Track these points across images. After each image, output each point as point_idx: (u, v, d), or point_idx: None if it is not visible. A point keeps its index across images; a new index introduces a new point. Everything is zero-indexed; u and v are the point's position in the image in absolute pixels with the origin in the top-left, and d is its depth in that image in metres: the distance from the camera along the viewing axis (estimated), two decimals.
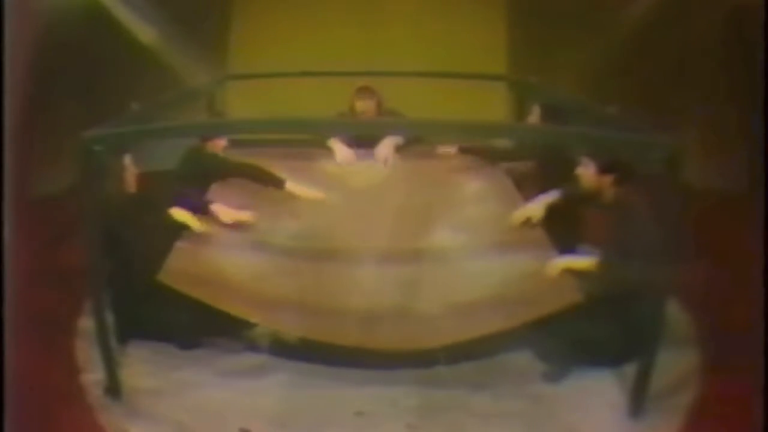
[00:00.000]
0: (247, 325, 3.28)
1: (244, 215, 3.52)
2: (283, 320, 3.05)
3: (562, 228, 3.42)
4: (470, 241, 3.39)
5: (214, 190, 3.77)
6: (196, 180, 3.79)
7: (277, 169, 4.01)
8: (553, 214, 3.44)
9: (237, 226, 3.49)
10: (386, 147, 4.27)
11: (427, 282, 3.15)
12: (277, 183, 3.82)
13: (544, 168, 3.90)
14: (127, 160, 3.29)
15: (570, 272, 2.99)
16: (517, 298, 2.98)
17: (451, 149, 4.24)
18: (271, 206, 3.75)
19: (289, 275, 3.20)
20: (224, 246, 3.35)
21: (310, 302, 3.06)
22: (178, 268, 3.08)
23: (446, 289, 3.10)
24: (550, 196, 3.36)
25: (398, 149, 4.32)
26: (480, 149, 4.20)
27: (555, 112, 3.79)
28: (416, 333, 2.95)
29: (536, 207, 3.37)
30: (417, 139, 4.34)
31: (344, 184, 4.04)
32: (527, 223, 3.36)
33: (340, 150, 4.28)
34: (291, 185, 3.82)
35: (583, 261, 3.03)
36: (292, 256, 3.33)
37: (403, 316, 2.98)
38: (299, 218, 3.64)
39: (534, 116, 3.92)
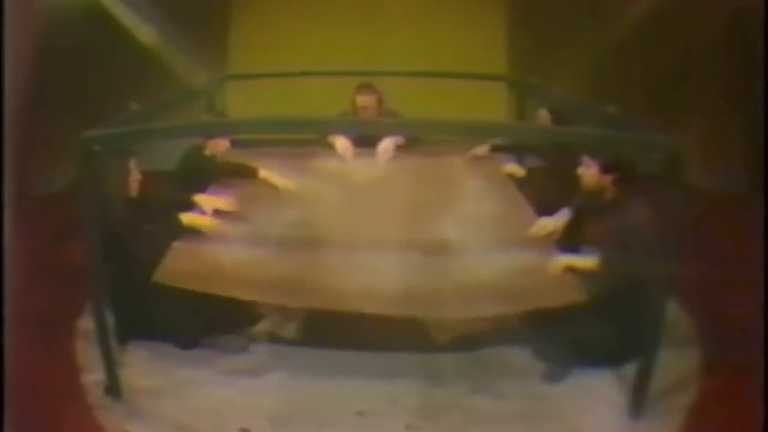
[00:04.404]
0: (247, 322, 3.30)
1: (224, 202, 3.56)
2: (283, 297, 3.04)
3: (566, 229, 3.42)
4: (471, 238, 3.38)
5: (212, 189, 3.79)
6: (194, 180, 3.80)
7: (277, 168, 4.01)
8: None
9: (228, 217, 3.50)
10: (388, 143, 4.30)
11: (428, 267, 3.14)
12: (252, 173, 3.89)
13: (546, 167, 3.91)
14: (132, 163, 3.29)
15: (572, 271, 2.99)
16: (519, 288, 2.97)
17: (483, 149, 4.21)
18: (269, 202, 3.75)
19: (286, 265, 3.20)
20: (221, 242, 3.35)
21: (310, 282, 3.05)
22: (174, 266, 3.07)
23: (449, 272, 3.09)
24: (565, 215, 3.34)
25: (400, 148, 4.33)
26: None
27: (564, 114, 3.78)
28: (417, 307, 2.95)
29: (554, 223, 3.34)
30: (417, 140, 4.34)
31: (344, 181, 4.05)
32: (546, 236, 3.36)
33: (340, 141, 4.30)
34: (264, 173, 3.89)
35: (585, 260, 3.03)
36: (289, 249, 3.33)
37: (405, 293, 2.97)
38: (297, 212, 3.64)
39: (540, 119, 3.91)
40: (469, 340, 3.22)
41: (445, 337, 3.27)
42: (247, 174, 3.89)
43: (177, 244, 3.22)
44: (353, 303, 2.92)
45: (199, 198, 3.54)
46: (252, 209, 3.64)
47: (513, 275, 3.04)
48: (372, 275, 3.07)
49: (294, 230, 3.47)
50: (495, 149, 4.20)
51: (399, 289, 2.98)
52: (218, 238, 3.36)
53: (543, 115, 3.89)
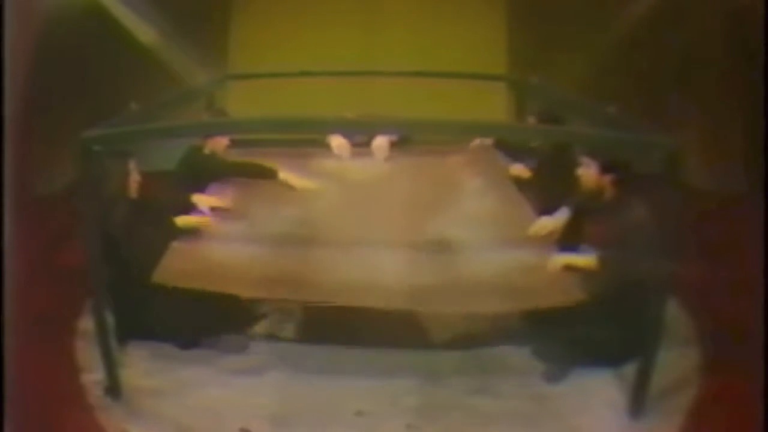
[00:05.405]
0: (246, 322, 3.31)
1: (221, 200, 3.60)
2: (281, 292, 3.05)
3: (565, 228, 3.42)
4: (469, 235, 3.38)
5: (212, 188, 3.80)
6: (194, 180, 3.80)
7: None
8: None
9: (227, 215, 3.52)
10: (381, 139, 4.30)
11: (426, 264, 3.13)
12: (271, 174, 3.88)
13: (545, 168, 3.90)
14: (132, 165, 3.29)
15: (571, 270, 2.99)
16: (517, 286, 2.97)
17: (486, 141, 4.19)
18: (267, 200, 3.75)
19: (285, 261, 3.19)
20: (219, 240, 3.35)
21: (309, 278, 3.04)
22: (173, 266, 3.07)
23: (447, 269, 3.09)
24: (564, 214, 3.32)
25: (398, 146, 4.33)
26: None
27: (552, 120, 3.77)
28: (414, 302, 2.95)
29: (553, 223, 3.32)
30: (408, 138, 4.34)
31: (343, 179, 4.05)
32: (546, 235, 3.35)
33: (336, 140, 4.30)
34: (284, 174, 3.89)
35: (584, 258, 3.03)
36: (288, 246, 3.32)
37: (402, 288, 2.97)
38: (296, 210, 3.64)
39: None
40: (468, 339, 3.23)
41: (444, 334, 3.28)
42: (266, 175, 3.89)
43: (175, 244, 3.22)
44: (351, 297, 2.92)
45: (197, 198, 3.56)
46: (250, 207, 3.65)
47: (512, 273, 3.04)
48: (370, 271, 3.07)
49: (292, 228, 3.47)
50: (497, 145, 4.20)
51: (396, 284, 2.98)
52: (217, 236, 3.37)
53: (531, 122, 3.89)
